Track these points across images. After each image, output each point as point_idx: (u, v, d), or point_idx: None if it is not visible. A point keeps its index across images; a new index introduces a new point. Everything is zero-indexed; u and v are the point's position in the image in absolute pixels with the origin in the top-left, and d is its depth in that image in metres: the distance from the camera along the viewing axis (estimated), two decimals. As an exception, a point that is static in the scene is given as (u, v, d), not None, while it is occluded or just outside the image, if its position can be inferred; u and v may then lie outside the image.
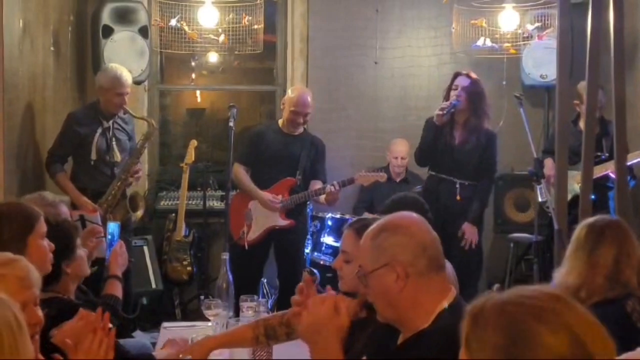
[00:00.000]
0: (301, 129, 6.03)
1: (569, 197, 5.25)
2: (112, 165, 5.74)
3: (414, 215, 2.53)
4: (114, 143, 5.75)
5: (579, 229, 3.34)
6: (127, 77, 5.72)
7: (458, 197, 5.71)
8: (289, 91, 6.11)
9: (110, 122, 5.74)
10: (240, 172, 5.94)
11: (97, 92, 5.76)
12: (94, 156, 5.66)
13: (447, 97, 5.72)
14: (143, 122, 6.17)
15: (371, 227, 2.46)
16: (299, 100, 5.90)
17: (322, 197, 5.90)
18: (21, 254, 2.77)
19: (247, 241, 5.84)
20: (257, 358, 3.31)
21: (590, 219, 3.38)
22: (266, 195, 5.89)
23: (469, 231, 5.73)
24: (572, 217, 4.89)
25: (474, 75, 5.77)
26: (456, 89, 5.65)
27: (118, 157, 5.75)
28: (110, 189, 5.65)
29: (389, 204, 3.83)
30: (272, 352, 3.32)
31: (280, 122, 6.06)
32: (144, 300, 6.55)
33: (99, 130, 5.68)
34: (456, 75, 5.76)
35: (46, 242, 3.06)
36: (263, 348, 3.29)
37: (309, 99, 5.98)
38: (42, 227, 3.05)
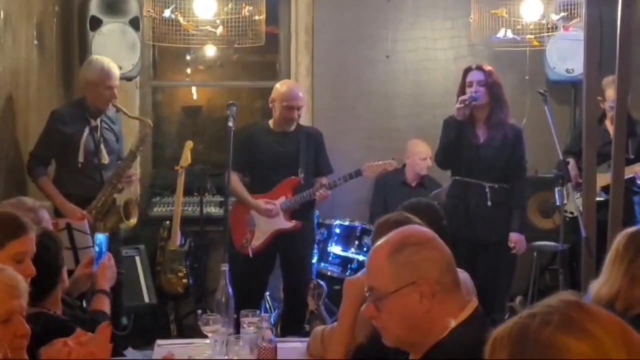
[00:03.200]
0: (294, 125, 6.06)
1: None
2: (100, 168, 5.73)
3: (425, 228, 2.53)
4: (102, 144, 5.74)
5: (619, 238, 3.35)
6: (116, 69, 5.74)
7: (489, 203, 5.63)
8: (276, 87, 6.09)
9: (98, 120, 5.74)
10: (233, 180, 5.94)
11: (84, 88, 5.75)
12: (81, 158, 5.62)
13: (461, 96, 5.68)
14: (134, 122, 6.19)
15: (383, 244, 2.41)
16: (291, 94, 5.95)
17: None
18: None
19: (251, 249, 5.85)
20: (261, 358, 3.35)
21: (632, 228, 3.38)
22: (260, 203, 5.93)
23: (518, 240, 5.68)
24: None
25: (487, 66, 5.72)
26: (471, 85, 5.59)
27: (106, 159, 5.73)
28: (100, 195, 5.63)
29: (402, 209, 3.82)
30: (276, 349, 3.40)
31: (270, 122, 6.09)
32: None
33: (87, 130, 5.65)
34: (467, 70, 5.70)
35: (22, 267, 2.92)
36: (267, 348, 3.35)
37: (301, 92, 6.09)
38: (18, 247, 2.95)
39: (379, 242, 2.45)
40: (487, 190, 5.62)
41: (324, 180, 6.05)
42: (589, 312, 1.48)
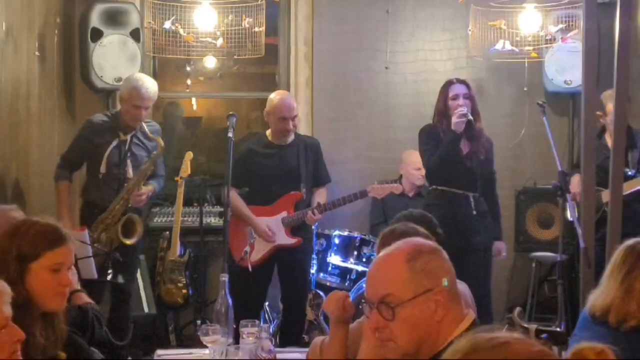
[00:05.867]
0: (292, 136, 6.05)
1: (598, 215, 5.23)
2: (122, 181, 5.75)
3: (429, 241, 2.54)
4: (128, 159, 5.76)
5: (618, 250, 3.34)
6: (148, 89, 5.70)
7: (474, 212, 5.75)
8: (270, 98, 6.06)
9: (129, 135, 5.75)
10: (233, 196, 5.89)
11: (119, 101, 5.81)
12: (103, 170, 5.71)
13: (443, 109, 5.76)
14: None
15: (396, 251, 2.41)
16: (283, 105, 5.94)
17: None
18: (21, 279, 2.85)
19: (250, 262, 5.83)
20: (260, 359, 3.37)
21: (631, 241, 3.36)
22: (260, 225, 5.92)
23: (504, 248, 6.01)
24: (600, 234, 4.89)
25: (467, 80, 5.86)
26: (456, 99, 5.70)
27: (130, 173, 5.76)
28: (111, 208, 5.66)
29: (396, 221, 3.82)
30: (275, 354, 3.43)
31: (268, 134, 6.08)
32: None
33: (114, 143, 5.71)
34: (449, 84, 5.81)
35: (59, 277, 2.97)
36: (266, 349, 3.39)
37: (294, 102, 6.08)
38: (54, 258, 2.96)
39: (388, 250, 2.44)
40: (472, 200, 5.76)
41: (320, 199, 6.04)
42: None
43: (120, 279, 5.77)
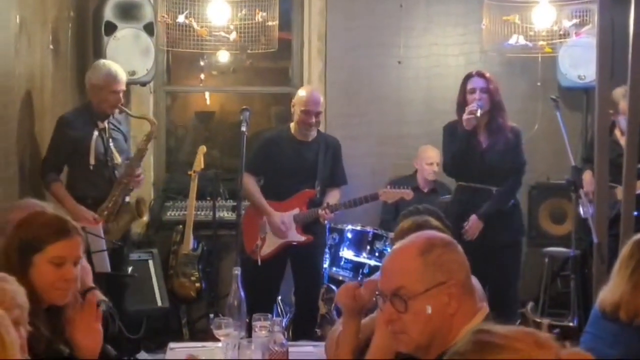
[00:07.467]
0: (314, 133, 6.04)
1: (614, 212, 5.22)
2: (112, 168, 5.74)
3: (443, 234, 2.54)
4: (111, 145, 5.76)
5: (626, 246, 3.32)
6: (122, 73, 5.74)
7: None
8: (298, 92, 6.12)
9: (105, 123, 5.76)
10: (249, 182, 5.93)
11: (89, 92, 5.77)
12: (92, 161, 5.65)
13: (462, 102, 5.71)
14: (145, 123, 6.19)
15: (409, 244, 2.42)
16: (310, 99, 5.94)
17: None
18: (25, 272, 2.81)
19: (260, 256, 5.83)
20: (272, 358, 3.36)
21: (638, 235, 3.34)
22: (274, 216, 5.92)
23: (473, 225, 5.62)
24: (615, 231, 4.87)
25: (487, 73, 5.77)
26: (473, 92, 5.64)
27: (118, 159, 5.76)
28: (111, 195, 5.65)
29: (402, 217, 3.81)
30: (287, 353, 3.41)
31: (292, 127, 6.07)
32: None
33: (95, 133, 5.69)
34: (468, 77, 5.76)
35: (62, 271, 2.91)
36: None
37: (321, 98, 6.07)
38: (56, 251, 2.91)
39: (402, 243, 2.45)
40: (495, 194, 5.67)
41: (331, 199, 6.04)
42: (492, 331, 1.60)
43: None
